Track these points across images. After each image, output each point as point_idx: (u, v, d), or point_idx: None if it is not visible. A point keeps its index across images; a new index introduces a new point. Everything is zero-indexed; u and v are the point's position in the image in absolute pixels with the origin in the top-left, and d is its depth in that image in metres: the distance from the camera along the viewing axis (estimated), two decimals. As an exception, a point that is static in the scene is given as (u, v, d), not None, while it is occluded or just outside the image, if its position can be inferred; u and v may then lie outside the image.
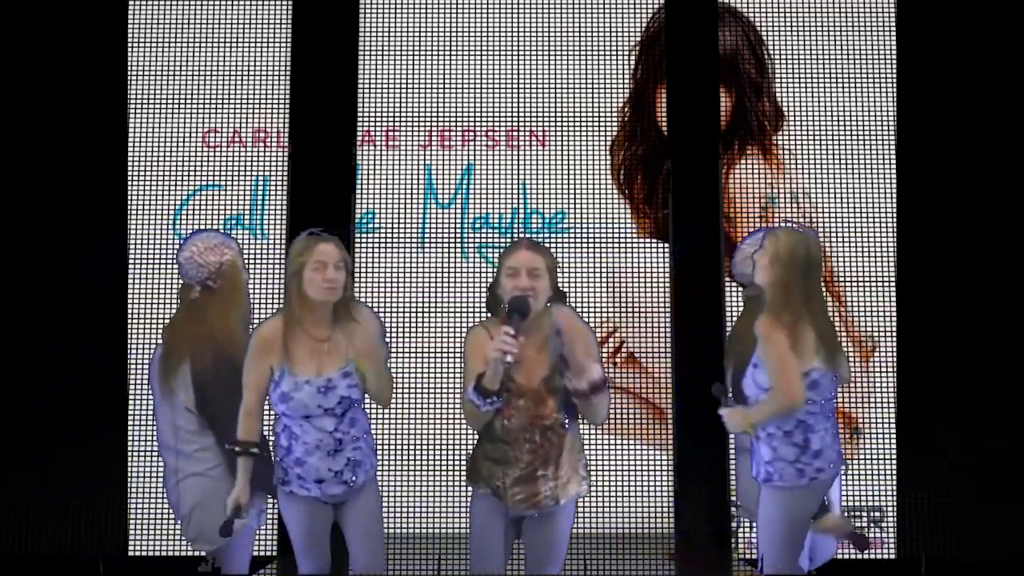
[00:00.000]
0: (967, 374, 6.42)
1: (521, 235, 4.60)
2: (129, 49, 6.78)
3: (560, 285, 4.54)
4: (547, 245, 4.68)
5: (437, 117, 6.89)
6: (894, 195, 6.64)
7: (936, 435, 6.28)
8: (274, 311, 4.72)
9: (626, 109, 6.89)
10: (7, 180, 6.60)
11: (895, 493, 6.44)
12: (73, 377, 6.25)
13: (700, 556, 6.37)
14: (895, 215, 6.63)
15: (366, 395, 4.63)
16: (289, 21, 6.84)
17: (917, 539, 6.38)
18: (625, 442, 6.48)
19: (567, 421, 4.45)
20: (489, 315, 4.58)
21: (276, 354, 4.54)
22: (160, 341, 4.90)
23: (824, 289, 4.91)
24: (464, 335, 4.59)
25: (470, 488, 4.57)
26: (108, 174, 6.61)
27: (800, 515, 4.78)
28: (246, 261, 4.99)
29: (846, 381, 4.97)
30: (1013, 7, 6.66)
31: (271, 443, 4.72)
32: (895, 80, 6.72)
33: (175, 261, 4.92)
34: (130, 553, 6.26)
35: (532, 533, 4.49)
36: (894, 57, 6.75)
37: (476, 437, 4.58)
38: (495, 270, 4.53)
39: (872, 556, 6.44)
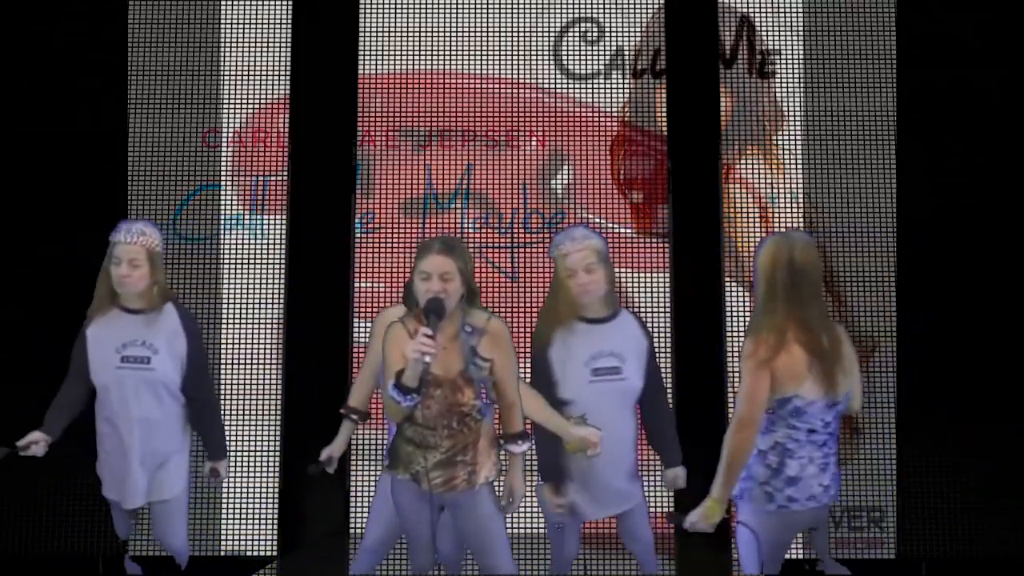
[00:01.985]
0: (967, 374, 6.42)
1: (434, 236, 4.75)
2: (129, 48, 6.77)
3: (474, 283, 4.60)
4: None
5: (437, 117, 6.89)
6: (894, 195, 6.63)
7: (936, 435, 6.28)
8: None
9: (626, 108, 6.89)
10: (7, 180, 6.60)
11: (895, 493, 6.44)
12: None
13: (700, 556, 6.36)
14: (895, 215, 6.62)
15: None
16: (289, 21, 6.84)
17: (917, 539, 6.38)
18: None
19: (483, 409, 4.59)
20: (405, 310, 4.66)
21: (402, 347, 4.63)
22: None
23: (825, 301, 4.71)
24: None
25: (389, 475, 4.69)
26: (108, 174, 6.61)
27: (768, 541, 4.52)
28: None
29: (854, 412, 4.61)
30: (1013, 6, 6.66)
31: None
32: (895, 80, 6.72)
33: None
34: (130, 553, 6.25)
35: (459, 522, 4.65)
36: (894, 56, 6.74)
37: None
38: (412, 267, 4.59)
39: (872, 556, 6.43)
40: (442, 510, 4.65)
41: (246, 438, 6.54)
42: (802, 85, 6.86)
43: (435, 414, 4.53)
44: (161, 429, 5.04)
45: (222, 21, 6.87)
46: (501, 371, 4.59)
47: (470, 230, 6.78)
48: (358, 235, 6.71)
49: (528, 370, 5.05)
